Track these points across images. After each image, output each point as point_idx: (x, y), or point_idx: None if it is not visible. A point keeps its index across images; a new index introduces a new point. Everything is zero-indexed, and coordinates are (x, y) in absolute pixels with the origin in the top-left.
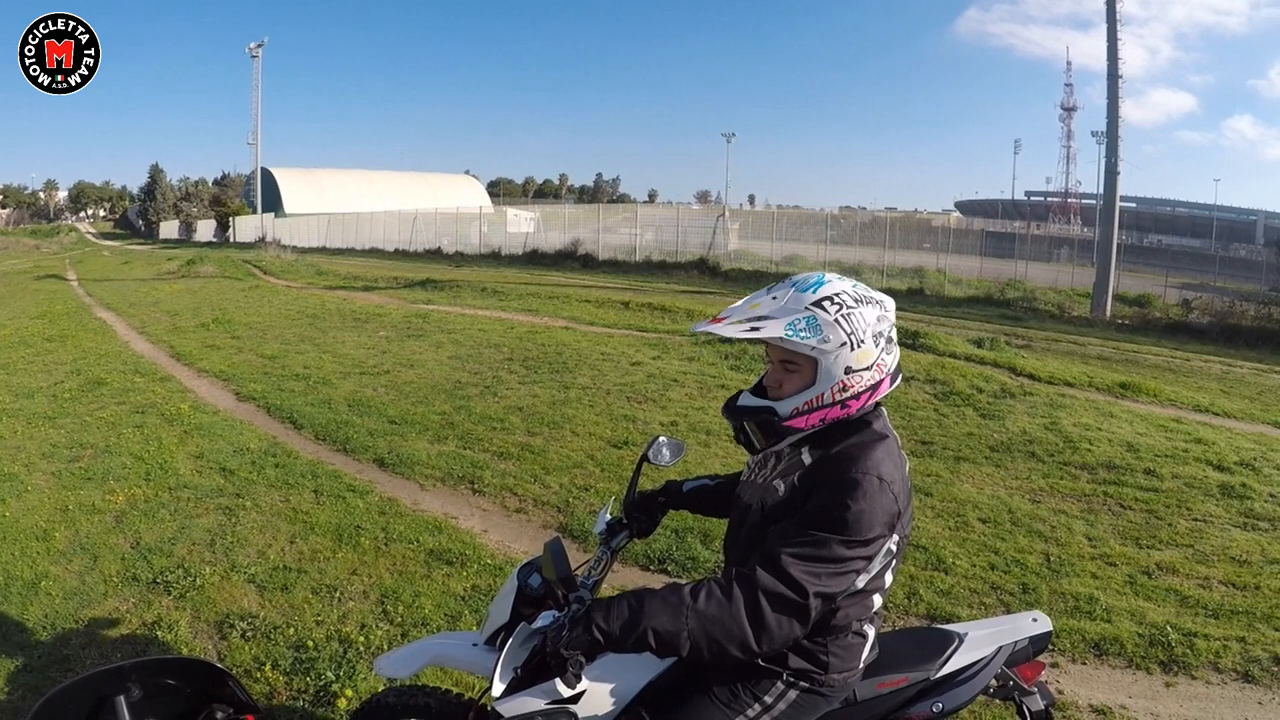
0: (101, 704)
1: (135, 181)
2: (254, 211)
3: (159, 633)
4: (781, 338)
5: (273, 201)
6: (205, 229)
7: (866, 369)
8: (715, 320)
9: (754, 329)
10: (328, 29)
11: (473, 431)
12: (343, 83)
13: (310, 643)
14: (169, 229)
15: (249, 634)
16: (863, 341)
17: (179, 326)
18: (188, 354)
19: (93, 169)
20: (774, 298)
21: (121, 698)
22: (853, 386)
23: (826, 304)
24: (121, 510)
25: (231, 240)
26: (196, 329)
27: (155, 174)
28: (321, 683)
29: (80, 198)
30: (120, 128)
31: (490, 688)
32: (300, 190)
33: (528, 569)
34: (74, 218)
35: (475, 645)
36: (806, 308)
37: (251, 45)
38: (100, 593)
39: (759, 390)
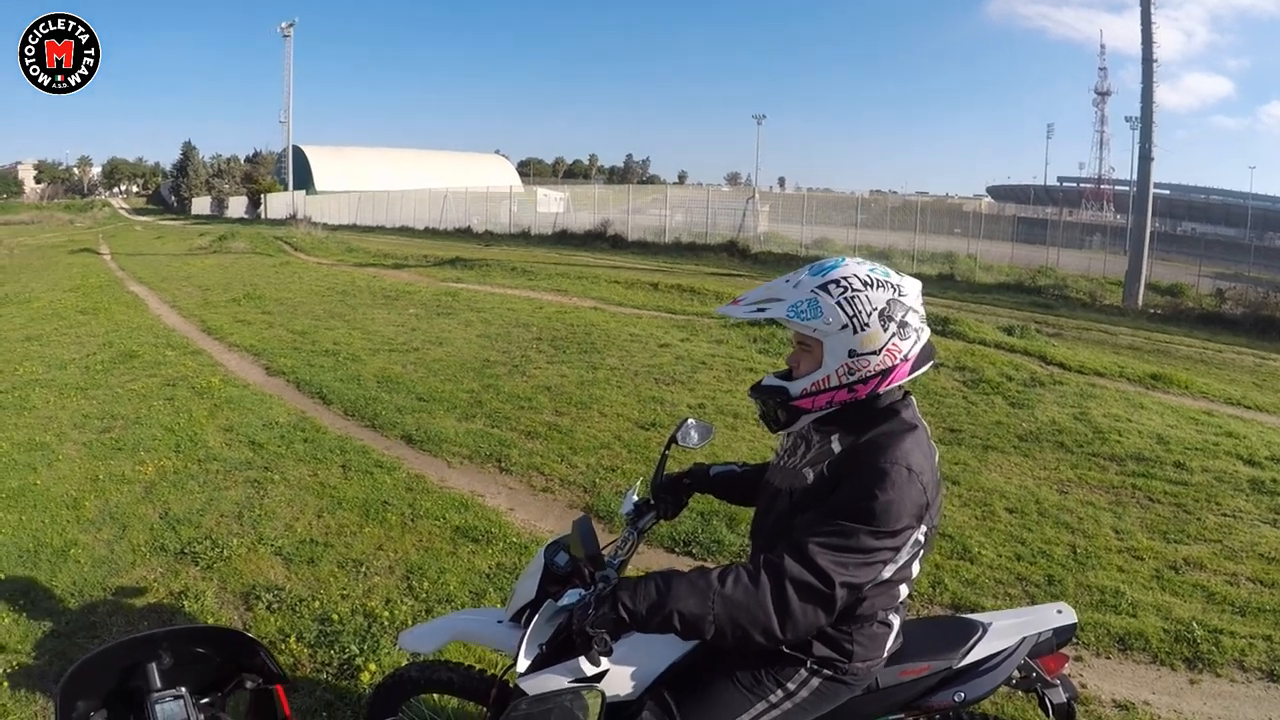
0: (133, 670)
1: (168, 158)
2: (285, 189)
3: (185, 602)
4: (784, 318)
5: (304, 179)
6: (237, 205)
7: (873, 353)
8: (734, 302)
9: (760, 310)
10: (359, 9)
11: (500, 410)
12: (375, 62)
13: (335, 616)
14: (201, 205)
15: (275, 606)
16: (867, 325)
17: (210, 301)
18: (218, 328)
19: (126, 145)
20: (788, 281)
21: (153, 664)
22: (860, 370)
23: (831, 287)
24: (151, 481)
25: (263, 217)
26: (227, 304)
27: (188, 151)
28: (346, 656)
29: (114, 174)
30: (154, 105)
31: (515, 664)
32: (331, 168)
33: (554, 547)
34: (107, 193)
35: (500, 622)
36: (812, 290)
37: (283, 25)
38: (128, 561)
39: (786, 373)
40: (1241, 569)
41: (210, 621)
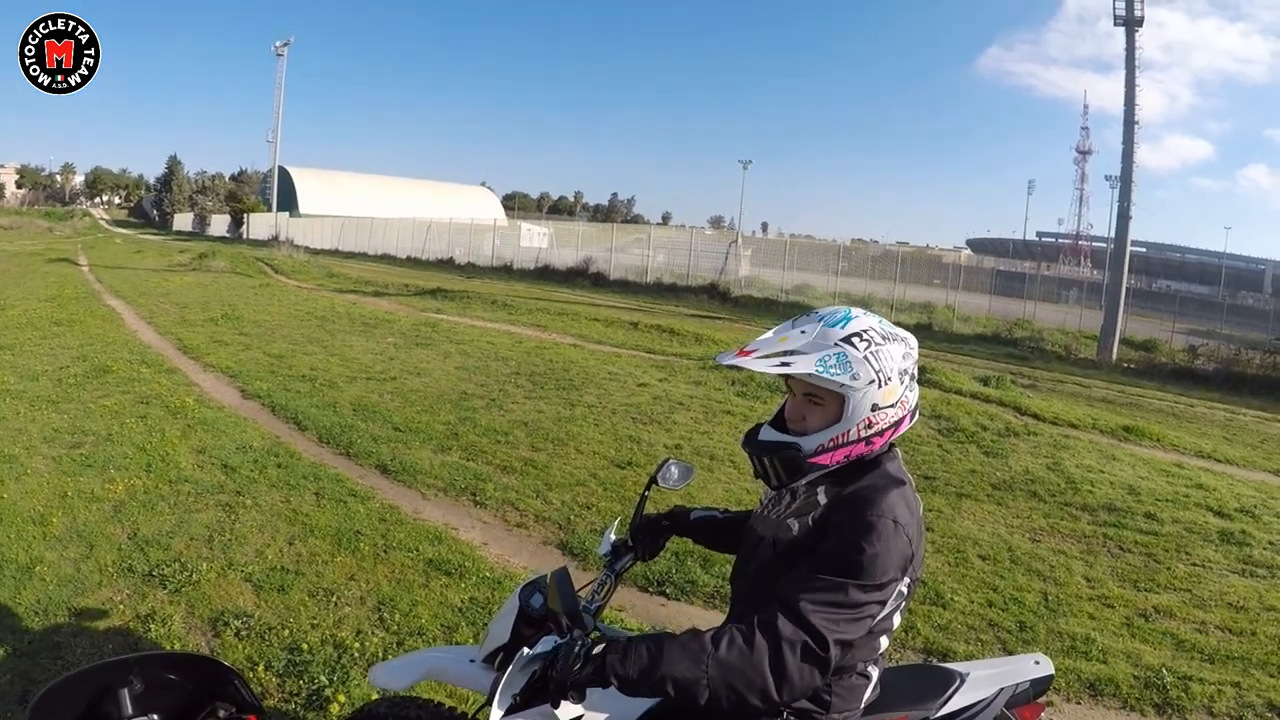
0: (104, 695)
1: (152, 171)
2: (269, 209)
3: (152, 626)
4: (812, 374)
5: (288, 201)
6: (219, 224)
7: (891, 406)
8: (743, 353)
9: (784, 364)
10: (353, 33)
11: (477, 443)
12: (365, 88)
13: (305, 645)
14: (183, 221)
15: (243, 633)
16: (889, 379)
17: (188, 319)
18: (195, 347)
19: (111, 155)
20: (802, 332)
21: (125, 690)
22: (877, 423)
23: (855, 340)
24: (120, 500)
25: (245, 237)
26: (205, 323)
27: (173, 165)
28: (315, 686)
29: (96, 183)
30: (141, 116)
31: (488, 709)
32: (316, 191)
33: (530, 588)
34: (89, 203)
35: (473, 661)
36: (836, 344)
37: (277, 44)
38: (95, 582)
39: (779, 422)
40: (1210, 617)
41: (178, 647)
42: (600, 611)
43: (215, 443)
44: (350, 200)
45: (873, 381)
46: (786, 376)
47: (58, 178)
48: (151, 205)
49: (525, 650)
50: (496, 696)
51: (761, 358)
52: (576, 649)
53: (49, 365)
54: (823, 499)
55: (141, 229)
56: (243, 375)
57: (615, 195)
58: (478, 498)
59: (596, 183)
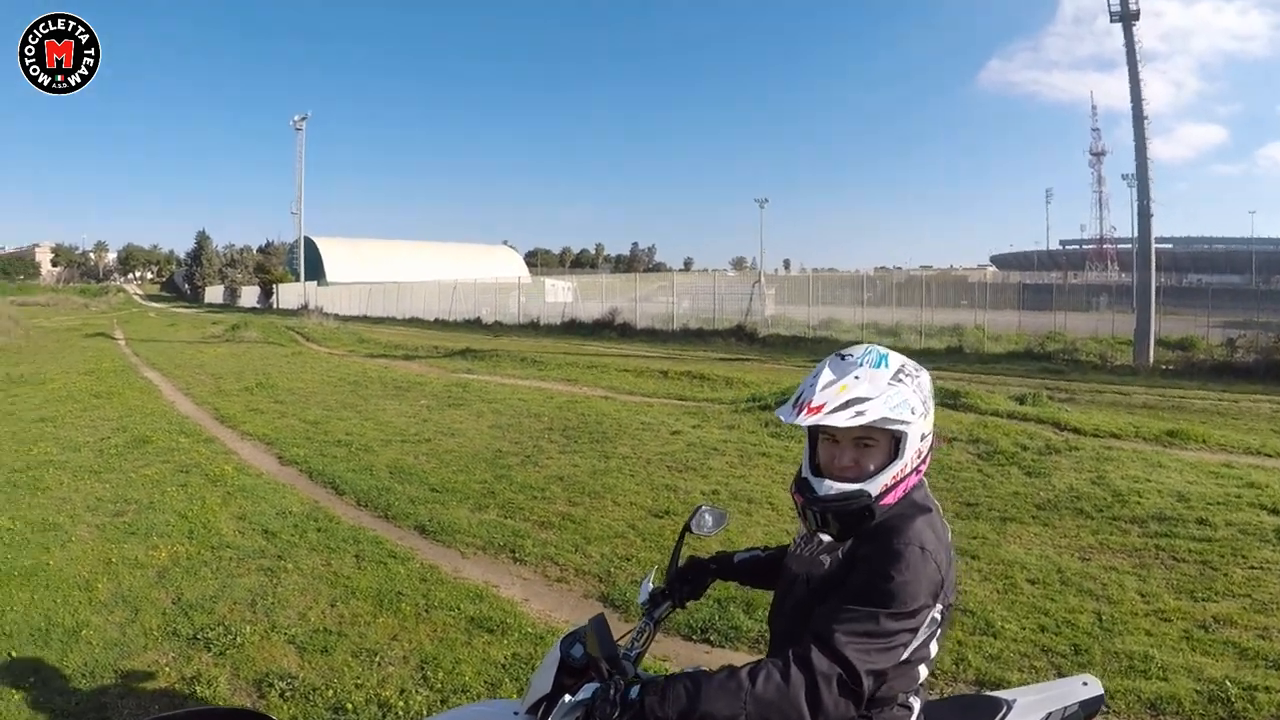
0: None
1: (182, 246)
2: (297, 279)
3: (198, 688)
4: (885, 417)
5: (315, 269)
6: (249, 295)
7: (930, 433)
8: (812, 410)
9: (859, 413)
10: (372, 101)
11: (514, 500)
12: (386, 155)
13: (349, 705)
14: (214, 294)
15: (288, 694)
16: (930, 408)
17: (223, 389)
18: (231, 416)
19: (142, 232)
20: (856, 378)
21: None
22: (924, 452)
23: (903, 376)
24: (164, 566)
25: (275, 306)
26: (240, 392)
27: (202, 240)
28: None
29: (129, 260)
30: (170, 193)
31: None
32: (342, 259)
33: (570, 639)
34: (122, 279)
35: (516, 714)
36: (889, 383)
37: (295, 118)
38: (140, 645)
39: (816, 471)
40: (1273, 622)
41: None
42: (640, 659)
43: (255, 509)
44: (376, 266)
45: (923, 414)
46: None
47: (91, 255)
48: (183, 279)
49: (567, 698)
50: None
51: (833, 411)
52: (613, 693)
53: (90, 436)
54: None
55: (174, 303)
56: (279, 442)
57: (636, 245)
58: (517, 554)
59: (617, 234)
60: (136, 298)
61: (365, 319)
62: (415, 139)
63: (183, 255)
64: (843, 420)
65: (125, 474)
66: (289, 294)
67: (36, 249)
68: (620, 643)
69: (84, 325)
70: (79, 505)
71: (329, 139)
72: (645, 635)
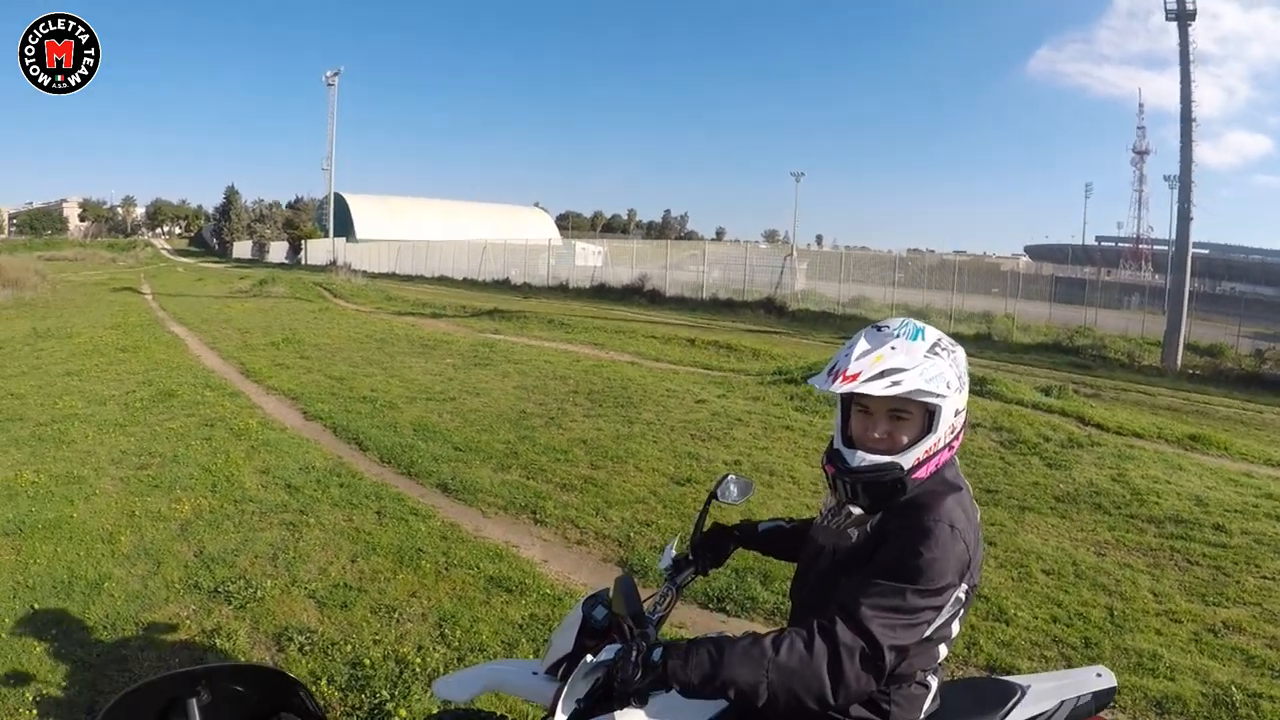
0: (172, 705)
1: (211, 201)
2: (326, 235)
3: (218, 640)
4: (920, 389)
5: (345, 226)
6: (278, 250)
7: (964, 410)
8: (848, 377)
9: (895, 383)
10: (406, 59)
11: (536, 462)
12: (418, 112)
13: (367, 661)
14: (242, 249)
15: (306, 648)
16: (965, 384)
17: (249, 344)
18: (257, 371)
19: (170, 187)
20: (892, 348)
21: (193, 700)
22: (958, 427)
23: (939, 350)
24: (187, 519)
25: (303, 263)
26: (266, 347)
27: (231, 195)
28: (376, 701)
29: (157, 215)
30: (199, 147)
31: (551, 718)
32: (372, 216)
33: (592, 601)
34: (150, 234)
35: (535, 674)
36: (925, 355)
37: (328, 73)
38: (162, 598)
39: (848, 442)
40: None
41: (243, 661)
42: (661, 623)
43: (279, 463)
44: (406, 224)
45: (958, 389)
46: (859, 395)
47: (119, 210)
48: (211, 234)
49: (589, 658)
50: (560, 704)
51: (869, 380)
52: (635, 655)
53: (116, 390)
54: None
55: (202, 257)
56: (305, 398)
57: (668, 212)
58: (538, 515)
59: (649, 200)
60: (165, 252)
61: (393, 276)
62: (448, 99)
63: (211, 210)
64: (878, 389)
65: (150, 427)
66: (318, 250)
67: (64, 204)
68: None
69: (111, 280)
70: (103, 458)
71: (362, 97)
72: (667, 600)
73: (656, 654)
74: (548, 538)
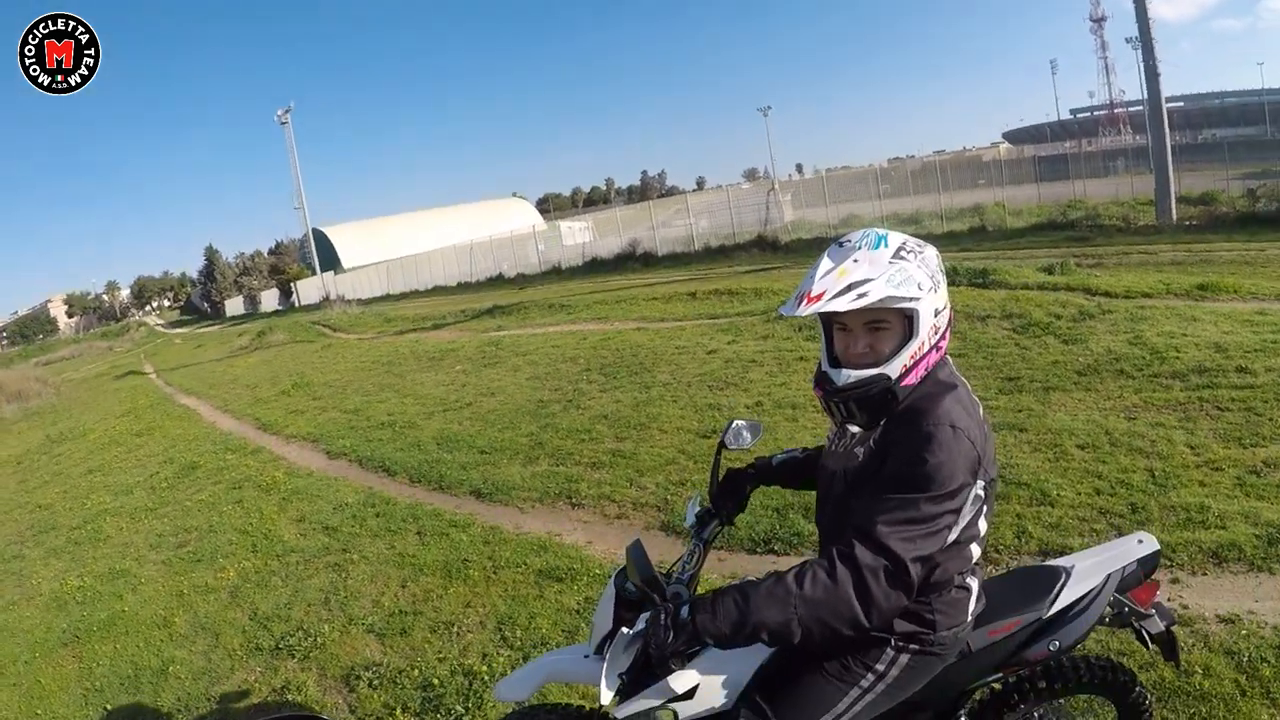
0: None
1: (193, 266)
2: (313, 273)
3: (289, 695)
4: (889, 296)
5: (330, 259)
6: (269, 298)
7: (945, 307)
8: (811, 299)
9: (861, 295)
10: (358, 84)
11: (562, 447)
12: (382, 131)
13: (436, 680)
14: (234, 305)
15: (375, 682)
16: (939, 282)
17: (260, 398)
18: (273, 423)
19: (150, 262)
20: (855, 261)
21: None
22: (940, 327)
23: (904, 254)
24: (234, 585)
25: (296, 305)
26: (278, 397)
27: (211, 255)
28: (452, 717)
29: (143, 292)
30: (171, 217)
31: (600, 697)
32: (355, 242)
33: (622, 574)
34: (140, 313)
35: (587, 656)
36: (889, 262)
37: (280, 112)
38: (227, 668)
39: (834, 363)
40: None
41: (316, 709)
42: (693, 581)
43: (312, 508)
44: (390, 243)
45: (931, 289)
46: (834, 312)
47: (104, 297)
48: (200, 298)
49: (624, 630)
50: (603, 679)
51: (834, 297)
52: (664, 618)
53: (139, 476)
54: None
55: (197, 324)
56: (324, 437)
57: (645, 173)
58: (573, 499)
59: (624, 167)
60: (159, 328)
61: (387, 298)
62: (409, 110)
63: (195, 275)
64: (844, 304)
65: (180, 504)
66: (308, 289)
67: (49, 304)
68: (674, 568)
69: (112, 368)
70: (142, 546)
71: (320, 127)
72: (696, 557)
73: (685, 612)
74: (587, 519)
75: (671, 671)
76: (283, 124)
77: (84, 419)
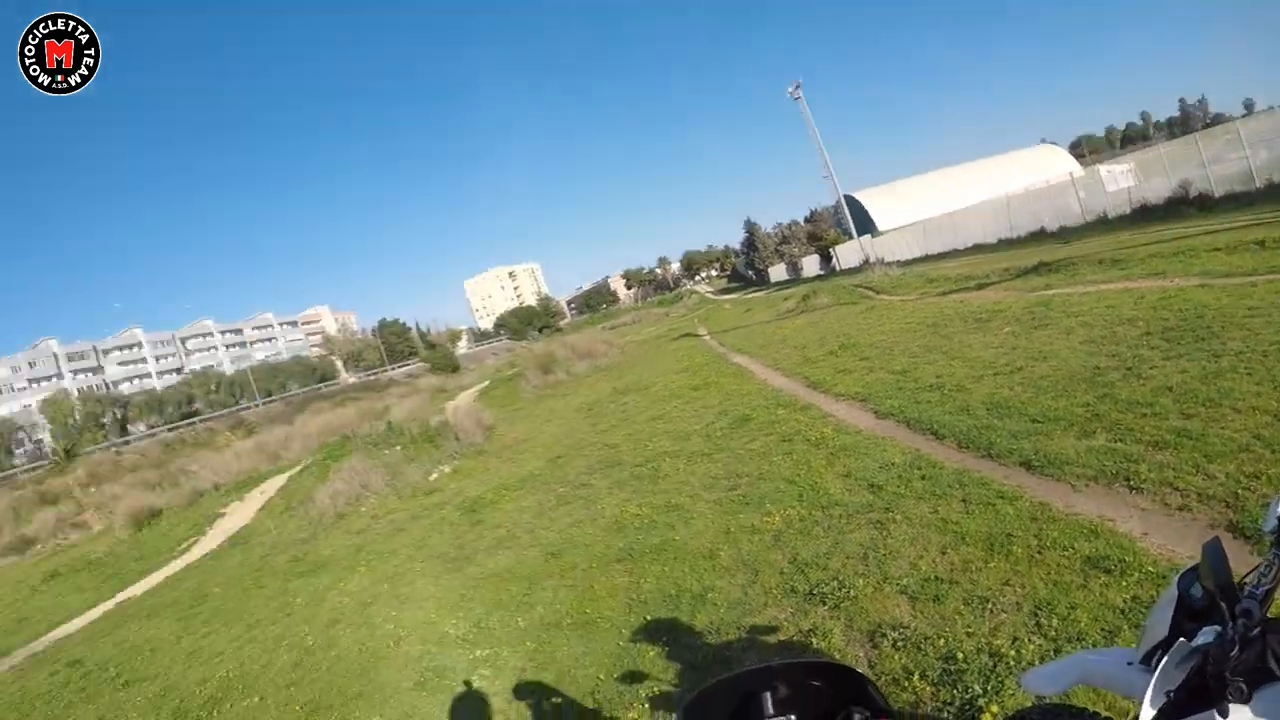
0: (750, 699)
1: (734, 238)
2: (849, 238)
3: (813, 639)
4: None
5: (864, 223)
6: (810, 264)
7: None
8: None
9: None
10: (860, 55)
11: (1121, 421)
12: (890, 96)
13: (960, 655)
14: (777, 272)
15: (899, 643)
16: None
17: (809, 358)
18: (822, 381)
19: (695, 237)
20: None
21: (768, 694)
22: None
23: None
24: (779, 529)
25: (836, 269)
26: (825, 357)
27: (750, 227)
28: (968, 696)
29: (691, 265)
30: (710, 197)
31: (1139, 713)
32: (886, 205)
33: (1189, 576)
34: (690, 282)
35: (1129, 664)
36: None
37: (790, 88)
38: (760, 603)
39: None
40: None
41: (837, 658)
42: (1269, 598)
43: (858, 465)
44: (920, 203)
45: None
46: None
47: (657, 270)
48: (745, 267)
49: (1182, 641)
50: (1147, 694)
51: None
52: (1232, 634)
53: (696, 425)
54: None
55: (743, 290)
56: (872, 397)
57: (1183, 101)
58: (1131, 482)
59: (1157, 96)
60: (708, 295)
61: (925, 259)
62: (915, 76)
63: (738, 246)
64: None
65: (733, 452)
66: (846, 253)
67: (609, 280)
68: (1247, 580)
69: (670, 330)
70: (696, 485)
71: (832, 98)
72: (1273, 570)
73: (1255, 631)
74: (1145, 505)
75: (1227, 701)
76: (795, 99)
77: (646, 374)
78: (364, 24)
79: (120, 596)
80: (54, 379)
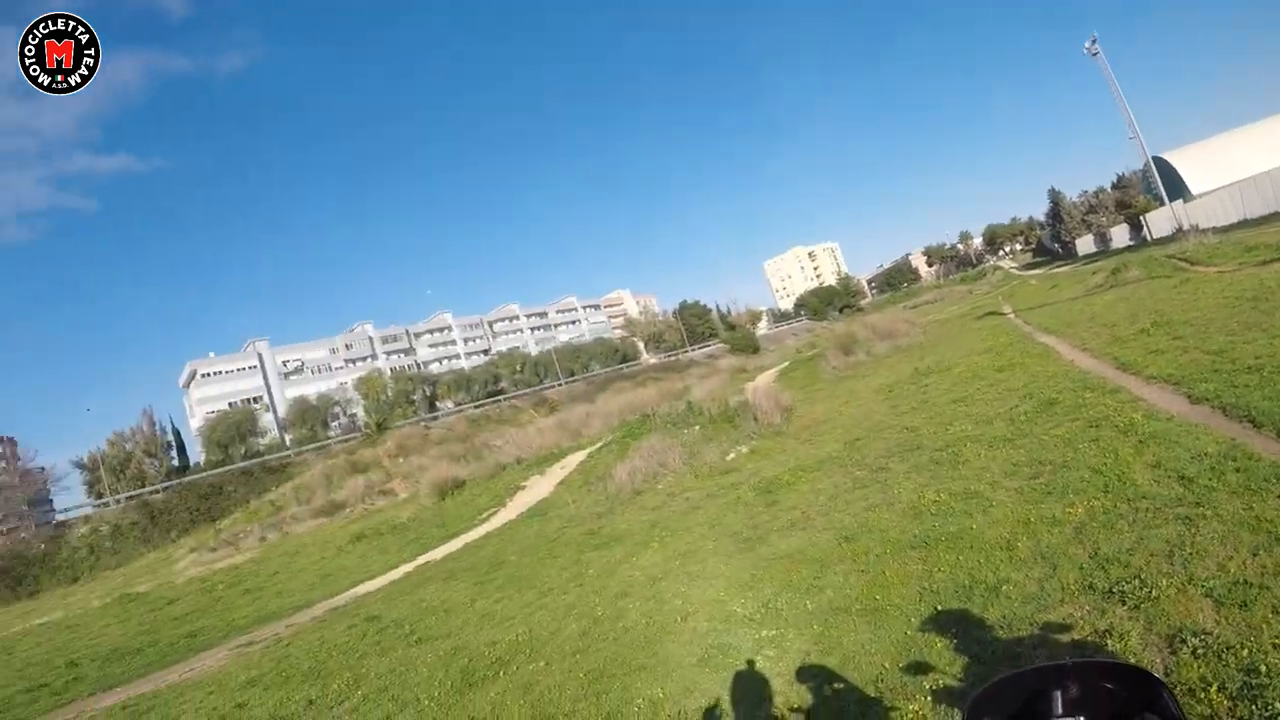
0: (1038, 696)
1: (1038, 209)
2: (1160, 203)
3: (1109, 641)
4: None
5: (1176, 187)
6: (1119, 235)
7: None
8: None
9: None
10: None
11: None
12: (1199, 43)
13: (1263, 668)
14: (1084, 244)
15: (1200, 651)
16: None
17: (1118, 336)
18: (1132, 363)
19: (998, 210)
20: None
21: (1059, 692)
22: None
23: None
24: (1081, 521)
25: (1148, 239)
26: (1136, 336)
27: (1055, 197)
28: (1269, 713)
29: (994, 239)
30: (1012, 168)
31: None
32: (1200, 165)
33: None
34: (993, 258)
35: None
36: None
37: (1087, 44)
38: (1056, 599)
39: None
40: None
41: (1134, 662)
42: None
43: (1169, 455)
44: (1238, 162)
45: None
46: None
47: (959, 246)
48: (1050, 240)
49: None
50: None
51: None
52: None
53: (999, 409)
54: None
55: (1050, 264)
56: (1186, 380)
57: None
58: None
59: None
60: (1013, 270)
61: (1244, 224)
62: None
63: (1041, 217)
64: None
65: (1037, 438)
66: (1158, 220)
67: (909, 257)
68: None
69: (972, 309)
70: (996, 473)
71: (1135, 51)
72: None
73: None
74: None
75: None
76: (1093, 55)
77: (948, 354)
78: (660, 17)
79: (420, 559)
80: (369, 359)
